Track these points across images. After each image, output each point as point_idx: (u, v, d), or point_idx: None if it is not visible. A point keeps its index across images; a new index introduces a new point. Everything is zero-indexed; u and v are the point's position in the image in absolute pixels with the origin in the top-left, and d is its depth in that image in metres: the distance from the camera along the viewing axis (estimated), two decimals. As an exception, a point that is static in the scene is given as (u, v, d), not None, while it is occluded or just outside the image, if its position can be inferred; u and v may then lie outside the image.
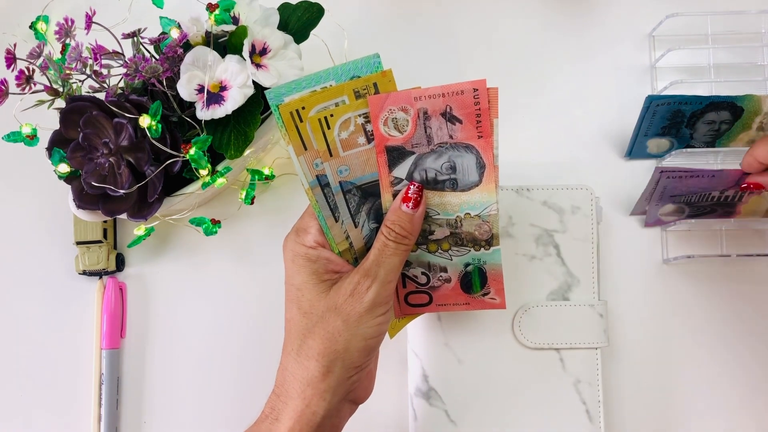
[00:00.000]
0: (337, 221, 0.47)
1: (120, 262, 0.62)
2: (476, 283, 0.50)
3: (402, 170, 0.46)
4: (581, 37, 0.64)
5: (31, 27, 0.59)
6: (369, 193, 0.47)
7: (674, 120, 0.57)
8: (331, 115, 0.43)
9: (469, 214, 0.47)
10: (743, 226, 0.60)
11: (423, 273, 0.50)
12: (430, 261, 0.50)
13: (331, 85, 0.44)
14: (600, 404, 0.56)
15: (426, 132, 0.45)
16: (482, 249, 0.49)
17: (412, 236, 0.46)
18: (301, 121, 0.43)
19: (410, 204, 0.45)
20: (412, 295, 0.51)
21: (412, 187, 0.46)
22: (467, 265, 0.49)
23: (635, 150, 0.60)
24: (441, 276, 0.50)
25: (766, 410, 0.59)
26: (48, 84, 0.54)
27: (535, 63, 0.64)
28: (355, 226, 0.47)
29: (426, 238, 0.49)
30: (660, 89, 0.62)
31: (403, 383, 0.59)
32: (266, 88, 0.53)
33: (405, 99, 0.44)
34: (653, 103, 0.55)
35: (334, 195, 0.46)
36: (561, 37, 0.64)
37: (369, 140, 0.45)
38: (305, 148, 0.44)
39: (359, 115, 0.44)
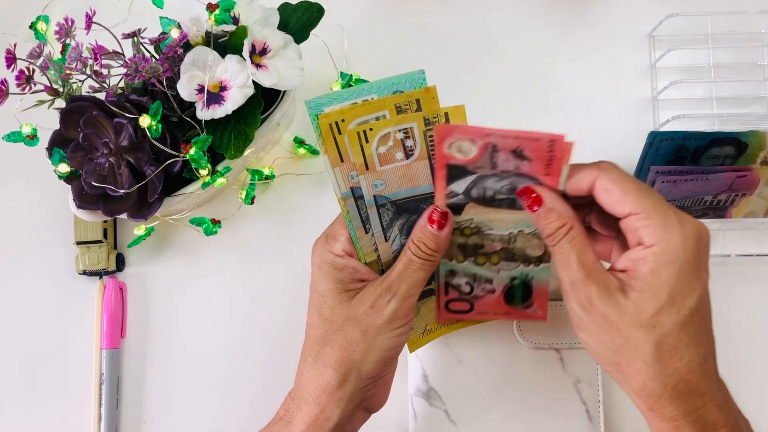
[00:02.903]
0: (367, 233, 0.46)
1: (120, 262, 0.62)
2: (518, 297, 0.50)
3: (460, 186, 0.45)
4: (581, 37, 0.64)
5: (31, 27, 0.59)
6: (404, 208, 0.46)
7: (678, 155, 0.56)
8: (371, 129, 0.42)
9: (522, 231, 0.46)
10: (743, 226, 0.60)
11: (467, 283, 0.49)
12: (476, 273, 0.49)
13: (372, 99, 0.42)
14: (600, 404, 0.56)
15: (491, 160, 0.43)
16: (532, 265, 0.48)
17: (437, 254, 0.45)
18: (340, 133, 0.42)
19: (435, 225, 0.45)
20: (453, 303, 0.51)
21: (435, 212, 0.45)
22: (514, 279, 0.49)
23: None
24: (485, 287, 0.49)
25: (766, 409, 0.59)
26: (48, 84, 0.54)
27: (536, 63, 0.64)
28: (386, 240, 0.47)
29: (476, 251, 0.48)
30: (660, 89, 0.62)
31: (403, 383, 0.59)
32: (266, 88, 0.53)
33: (475, 133, 0.42)
34: (656, 139, 0.55)
35: (367, 207, 0.45)
36: (561, 37, 0.64)
37: (407, 156, 0.44)
38: (342, 160, 0.43)
39: (399, 131, 0.43)
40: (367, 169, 0.44)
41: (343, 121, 0.42)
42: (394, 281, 0.45)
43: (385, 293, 0.45)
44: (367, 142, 0.43)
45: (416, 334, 0.53)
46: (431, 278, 0.50)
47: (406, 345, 0.53)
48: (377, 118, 0.42)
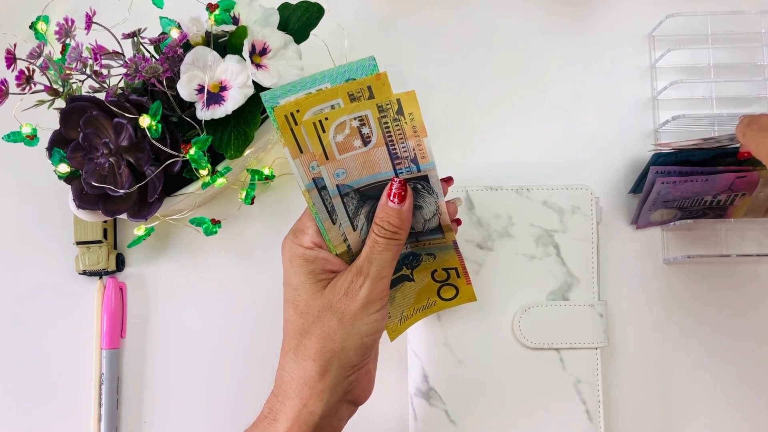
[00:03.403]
0: (334, 224, 0.46)
1: (120, 262, 0.62)
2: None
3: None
4: (581, 37, 0.64)
5: (31, 27, 0.59)
6: (368, 196, 0.46)
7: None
8: (326, 119, 0.43)
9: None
10: (743, 226, 0.60)
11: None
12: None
13: (326, 88, 0.43)
14: (600, 404, 0.56)
15: None
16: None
17: (402, 231, 0.46)
18: (296, 123, 0.43)
19: (396, 199, 0.45)
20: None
21: (395, 183, 0.45)
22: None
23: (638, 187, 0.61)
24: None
25: (765, 410, 0.59)
26: (48, 84, 0.54)
27: (536, 63, 0.64)
28: (354, 230, 0.47)
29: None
30: (660, 89, 0.62)
31: (403, 383, 0.59)
32: (266, 88, 0.53)
33: None
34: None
35: (331, 198, 0.45)
36: (561, 37, 0.64)
37: (365, 143, 0.44)
38: (301, 151, 0.44)
39: (354, 118, 0.43)
40: (327, 158, 0.44)
41: (298, 111, 0.42)
42: (363, 265, 0.45)
43: (356, 278, 0.45)
44: (323, 131, 0.43)
45: (394, 321, 0.53)
46: (406, 264, 0.51)
47: (386, 334, 0.54)
48: (332, 107, 0.43)
